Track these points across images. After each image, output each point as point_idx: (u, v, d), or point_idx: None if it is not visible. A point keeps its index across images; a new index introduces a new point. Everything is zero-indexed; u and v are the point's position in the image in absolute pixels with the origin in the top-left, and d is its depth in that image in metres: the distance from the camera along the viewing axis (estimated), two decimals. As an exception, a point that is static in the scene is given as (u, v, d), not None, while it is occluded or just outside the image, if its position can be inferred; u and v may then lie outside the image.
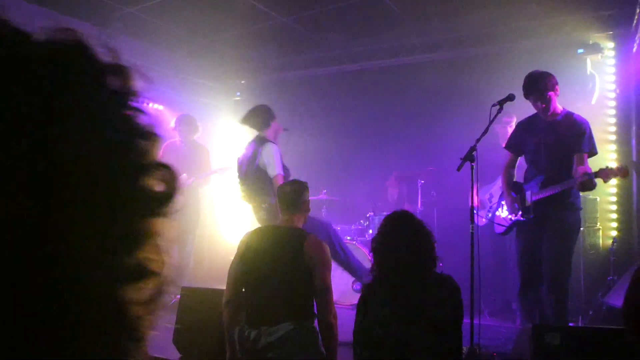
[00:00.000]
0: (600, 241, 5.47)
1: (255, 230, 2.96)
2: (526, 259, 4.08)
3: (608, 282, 4.98)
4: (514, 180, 4.47)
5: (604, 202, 5.58)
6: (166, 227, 0.49)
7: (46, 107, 0.43)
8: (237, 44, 6.78)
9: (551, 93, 4.01)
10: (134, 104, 0.49)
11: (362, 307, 2.43)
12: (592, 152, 4.01)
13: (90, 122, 0.45)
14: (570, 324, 4.34)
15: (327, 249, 2.91)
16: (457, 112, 5.90)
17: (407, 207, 6.57)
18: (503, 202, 4.51)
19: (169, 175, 0.50)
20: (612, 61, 5.68)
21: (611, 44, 5.69)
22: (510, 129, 5.52)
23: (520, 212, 4.10)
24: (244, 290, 2.83)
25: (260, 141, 4.65)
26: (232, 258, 2.92)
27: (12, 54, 0.43)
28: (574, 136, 3.98)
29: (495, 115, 3.98)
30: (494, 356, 3.67)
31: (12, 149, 0.41)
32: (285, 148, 6.74)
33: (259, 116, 4.77)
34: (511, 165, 4.41)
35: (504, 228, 4.36)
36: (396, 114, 6.65)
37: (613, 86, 5.65)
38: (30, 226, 0.41)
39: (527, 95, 4.05)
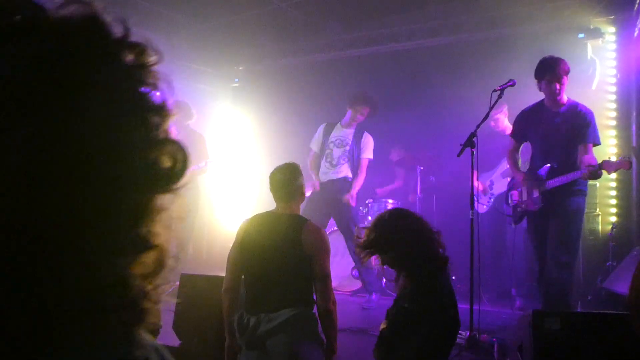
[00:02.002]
0: (600, 227, 5.48)
1: (254, 217, 2.92)
2: (540, 247, 4.08)
3: (607, 267, 4.99)
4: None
5: (604, 188, 5.57)
6: (172, 204, 0.49)
7: (58, 78, 0.42)
8: (235, 30, 6.72)
9: (566, 77, 3.96)
10: (147, 79, 0.49)
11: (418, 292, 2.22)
12: (596, 142, 4.02)
13: (101, 95, 0.44)
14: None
15: (326, 235, 2.90)
16: (456, 98, 5.86)
17: (407, 195, 6.56)
18: (511, 193, 4.46)
19: (178, 152, 0.50)
20: (613, 46, 5.64)
21: (612, 29, 5.65)
22: (496, 124, 5.49)
23: (529, 202, 4.09)
24: (243, 277, 2.82)
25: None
26: (231, 245, 2.90)
27: (27, 25, 0.43)
28: (580, 127, 3.96)
29: (496, 101, 3.97)
30: (494, 342, 3.68)
31: (21, 120, 0.40)
32: (283, 135, 6.73)
33: None
34: (515, 149, 4.42)
35: (515, 218, 4.35)
36: (395, 100, 6.60)
37: (614, 71, 5.61)
38: (35, 194, 0.41)
39: (542, 76, 3.97)
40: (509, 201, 4.44)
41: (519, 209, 4.26)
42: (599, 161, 3.76)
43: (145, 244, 0.47)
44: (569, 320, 2.71)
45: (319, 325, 2.72)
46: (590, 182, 5.40)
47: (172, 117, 0.50)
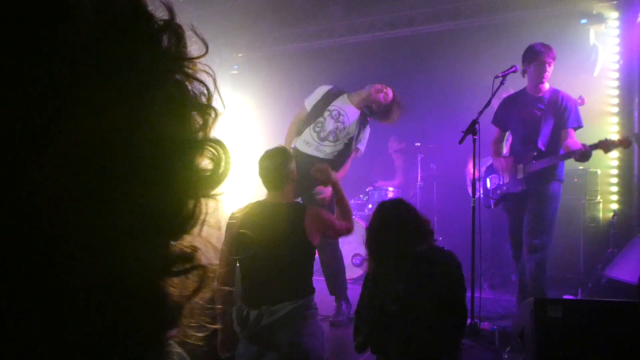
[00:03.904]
0: (601, 214, 5.47)
1: (248, 208, 2.76)
2: (516, 231, 4.13)
3: (608, 254, 4.98)
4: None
5: (605, 175, 5.56)
6: (212, 211, 0.45)
7: (93, 63, 0.37)
8: (234, 16, 6.66)
9: (552, 65, 3.99)
10: (191, 72, 0.44)
11: (370, 283, 2.40)
12: (580, 125, 4.04)
13: (139, 85, 0.39)
14: (570, 297, 4.37)
15: (326, 213, 2.87)
16: (457, 84, 5.82)
17: (408, 183, 6.54)
18: (489, 177, 4.53)
19: (221, 153, 0.45)
20: (616, 32, 5.58)
21: (615, 14, 5.59)
22: None
23: (511, 185, 4.12)
24: (240, 270, 2.74)
25: None
26: (223, 239, 2.73)
27: (62, 5, 0.37)
28: (561, 112, 4.00)
29: (498, 88, 3.95)
30: (495, 329, 3.68)
31: (51, 110, 0.35)
32: (283, 122, 6.68)
33: None
34: (499, 140, 4.42)
35: (492, 201, 4.40)
36: (395, 87, 6.55)
37: (616, 57, 5.56)
38: (64, 202, 0.35)
39: (530, 61, 4.01)
40: (488, 185, 4.48)
41: (499, 192, 4.29)
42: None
43: (185, 261, 0.43)
44: (571, 307, 2.70)
45: (318, 312, 2.72)
46: (592, 169, 5.41)
47: (218, 115, 0.46)
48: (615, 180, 5.54)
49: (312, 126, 4.53)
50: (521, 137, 4.16)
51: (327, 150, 4.49)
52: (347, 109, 4.57)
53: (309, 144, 4.51)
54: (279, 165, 2.73)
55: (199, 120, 0.44)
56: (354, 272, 5.85)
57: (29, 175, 0.34)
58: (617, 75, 5.55)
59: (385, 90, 4.57)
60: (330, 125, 4.50)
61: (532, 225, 3.94)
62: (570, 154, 3.83)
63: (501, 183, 4.27)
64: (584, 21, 5.63)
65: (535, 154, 4.00)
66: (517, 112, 4.15)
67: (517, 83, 4.33)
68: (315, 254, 2.80)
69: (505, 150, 4.65)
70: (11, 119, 0.34)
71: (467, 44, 6.07)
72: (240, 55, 7.94)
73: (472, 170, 4.01)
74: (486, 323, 3.80)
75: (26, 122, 0.34)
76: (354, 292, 5.35)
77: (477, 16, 6.18)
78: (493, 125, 4.36)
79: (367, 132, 4.72)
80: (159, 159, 0.40)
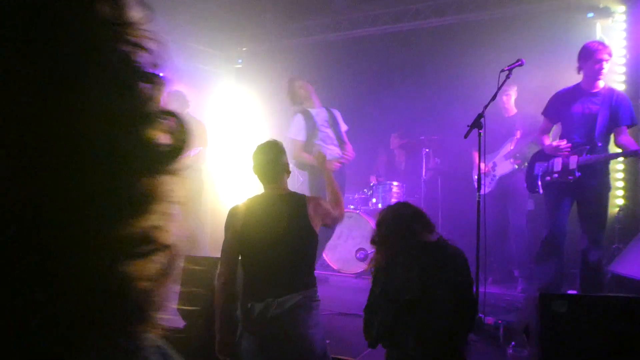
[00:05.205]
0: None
1: (250, 202, 2.75)
2: (559, 216, 4.31)
3: (613, 250, 4.97)
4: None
5: (611, 171, 5.51)
6: (175, 188, 0.42)
7: (20, 35, 0.33)
8: (238, 10, 6.63)
9: (609, 61, 4.16)
10: (133, 39, 0.40)
11: (383, 273, 2.41)
12: (633, 124, 4.20)
13: (78, 58, 0.36)
14: (575, 292, 4.36)
15: (324, 201, 2.88)
16: (463, 78, 5.79)
17: (412, 178, 6.53)
18: (537, 163, 4.58)
19: (177, 125, 0.42)
20: (623, 25, 5.53)
21: (622, 8, 5.54)
22: (507, 98, 5.44)
23: (562, 174, 4.24)
24: (242, 264, 2.73)
25: None
26: (224, 235, 2.74)
27: None
28: (615, 109, 4.14)
29: (504, 81, 3.93)
30: (500, 324, 3.67)
31: None
32: (288, 117, 6.67)
33: None
34: (546, 130, 4.52)
35: (540, 186, 4.48)
36: (400, 81, 6.54)
37: (623, 51, 5.51)
38: (10, 189, 0.33)
39: (585, 59, 4.14)
40: (533, 170, 4.54)
41: (548, 178, 4.36)
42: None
43: (148, 243, 0.40)
44: (576, 303, 2.69)
45: (320, 303, 2.73)
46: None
47: (164, 85, 0.42)
48: (620, 175, 5.51)
49: (323, 141, 5.20)
50: (576, 130, 4.27)
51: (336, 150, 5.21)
52: (323, 114, 5.31)
53: (334, 157, 5.13)
54: (273, 158, 2.75)
55: (148, 92, 0.40)
56: (357, 266, 5.85)
57: None
58: (623, 69, 5.51)
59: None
60: (330, 132, 5.26)
61: (594, 219, 4.17)
62: (632, 152, 4.02)
63: (551, 170, 4.36)
64: (590, 15, 5.59)
65: (589, 147, 4.15)
66: (573, 106, 4.27)
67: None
68: (317, 243, 2.80)
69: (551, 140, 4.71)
70: None
71: (472, 38, 6.03)
72: (244, 49, 7.93)
73: (480, 165, 4.01)
74: (490, 318, 3.79)
75: None
76: (356, 287, 5.38)
77: (482, 9, 6.14)
78: (543, 116, 4.49)
79: (338, 114, 5.45)
80: (104, 134, 0.37)
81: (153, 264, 0.41)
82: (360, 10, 6.81)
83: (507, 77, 3.93)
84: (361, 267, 5.77)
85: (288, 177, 2.83)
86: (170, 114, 0.42)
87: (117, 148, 0.37)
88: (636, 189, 5.37)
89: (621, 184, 5.50)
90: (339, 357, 3.25)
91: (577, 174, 4.13)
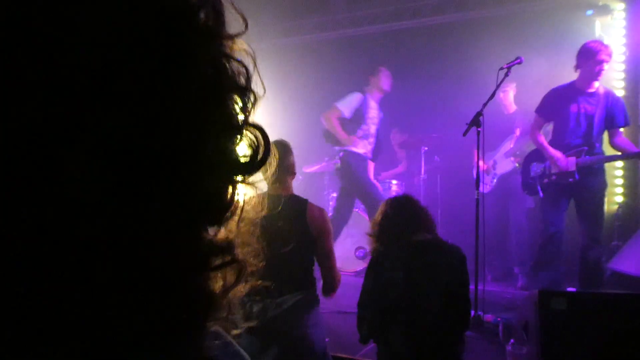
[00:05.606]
0: (605, 206, 5.42)
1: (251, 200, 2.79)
2: (557, 214, 4.33)
3: (612, 247, 4.97)
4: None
5: (610, 168, 5.51)
6: (250, 200, 0.42)
7: (122, 44, 0.33)
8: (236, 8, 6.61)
9: (609, 62, 4.17)
10: (228, 51, 0.40)
11: (372, 271, 2.41)
12: (626, 124, 4.25)
13: (175, 67, 0.36)
14: (574, 289, 4.36)
15: (327, 214, 2.86)
16: (461, 76, 5.79)
17: (411, 176, 6.53)
18: (532, 164, 4.59)
19: (260, 139, 0.43)
20: (622, 23, 5.53)
21: (621, 5, 5.54)
22: (504, 95, 5.43)
23: (560, 175, 4.23)
24: None
25: None
26: None
27: None
28: (611, 110, 4.17)
29: (503, 79, 3.93)
30: (499, 322, 3.67)
31: (79, 101, 0.32)
32: (286, 116, 6.67)
33: None
34: (540, 128, 4.51)
35: (540, 188, 4.47)
36: (399, 79, 6.53)
37: (622, 49, 5.51)
38: (95, 195, 0.32)
39: (586, 59, 4.12)
40: (530, 173, 4.54)
41: (545, 180, 4.35)
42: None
43: (222, 254, 0.40)
44: (576, 300, 2.69)
45: (320, 303, 2.72)
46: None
47: (258, 99, 0.42)
48: (620, 172, 5.52)
49: (363, 137, 5.24)
50: (571, 130, 4.26)
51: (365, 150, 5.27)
52: (376, 109, 5.36)
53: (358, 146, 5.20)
54: (279, 158, 2.73)
55: (238, 103, 0.41)
56: (356, 264, 5.85)
57: (58, 171, 0.31)
58: (623, 67, 5.51)
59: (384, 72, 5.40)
60: (373, 130, 5.31)
61: (594, 218, 4.20)
62: (635, 155, 4.10)
63: (548, 172, 4.35)
64: (589, 12, 5.59)
65: (587, 148, 4.15)
66: (568, 105, 4.26)
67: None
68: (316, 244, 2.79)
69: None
70: (37, 114, 0.31)
71: (472, 35, 6.03)
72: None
73: (479, 163, 4.01)
74: (490, 315, 3.79)
75: (53, 116, 0.31)
76: (355, 285, 5.36)
77: (481, 7, 6.14)
78: (536, 114, 4.46)
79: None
80: (193, 143, 0.37)
81: (225, 276, 0.42)
82: (359, 9, 6.81)
83: (506, 75, 3.93)
84: (360, 265, 5.77)
85: (292, 178, 2.81)
86: (257, 127, 0.43)
87: (199, 159, 0.38)
88: (635, 186, 5.38)
89: (620, 181, 5.51)
90: (339, 354, 3.25)
91: (577, 176, 4.13)
